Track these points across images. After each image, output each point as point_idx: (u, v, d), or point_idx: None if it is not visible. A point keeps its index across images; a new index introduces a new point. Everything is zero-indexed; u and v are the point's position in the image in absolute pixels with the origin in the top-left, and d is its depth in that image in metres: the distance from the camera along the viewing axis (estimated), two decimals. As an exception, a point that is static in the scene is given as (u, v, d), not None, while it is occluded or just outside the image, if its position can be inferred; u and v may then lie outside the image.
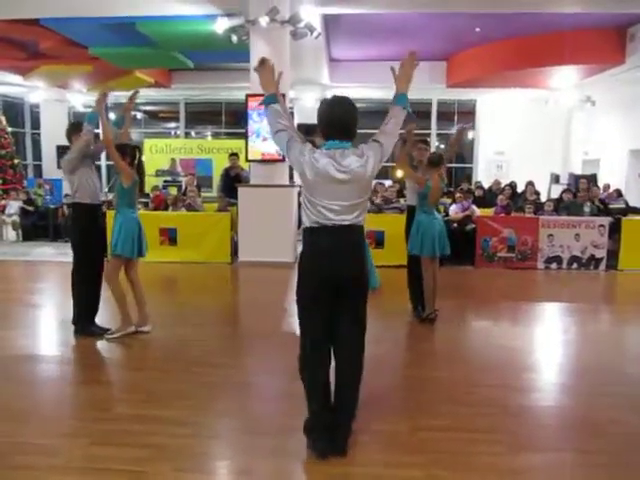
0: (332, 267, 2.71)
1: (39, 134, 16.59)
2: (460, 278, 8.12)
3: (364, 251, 2.87)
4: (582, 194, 9.47)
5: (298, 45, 9.11)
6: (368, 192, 2.86)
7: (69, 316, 5.00)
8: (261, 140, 8.57)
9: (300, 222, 10.85)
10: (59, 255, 9.66)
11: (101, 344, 4.72)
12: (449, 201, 9.92)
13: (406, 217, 5.85)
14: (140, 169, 4.97)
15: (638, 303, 6.81)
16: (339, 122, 2.74)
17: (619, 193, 10.92)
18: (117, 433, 3.10)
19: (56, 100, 15.76)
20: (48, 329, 5.44)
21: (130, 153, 4.94)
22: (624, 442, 3.08)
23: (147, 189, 13.86)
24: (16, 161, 14.10)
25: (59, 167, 13.81)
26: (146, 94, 16.30)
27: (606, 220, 8.64)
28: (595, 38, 11.05)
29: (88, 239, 4.85)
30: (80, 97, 16.15)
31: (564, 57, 10.92)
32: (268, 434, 3.11)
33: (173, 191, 11.66)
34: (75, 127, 5.05)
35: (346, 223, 2.72)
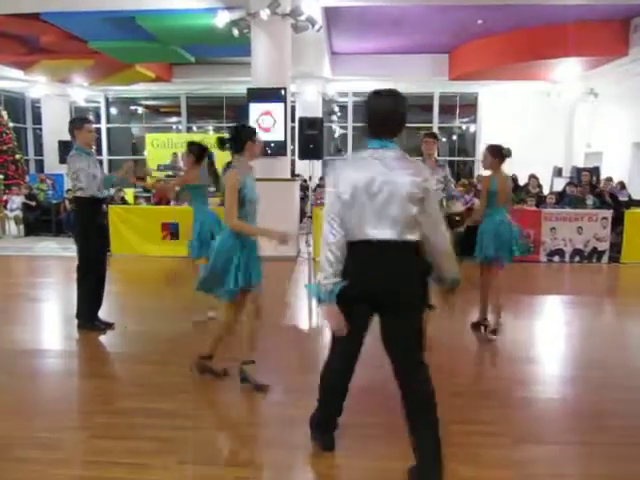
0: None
1: (41, 129, 16.59)
2: (462, 271, 8.08)
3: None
4: (583, 187, 9.44)
5: (299, 38, 9.07)
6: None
7: (72, 310, 5.00)
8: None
9: (302, 215, 10.84)
10: (62, 250, 9.68)
11: (103, 338, 4.73)
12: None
13: None
14: (211, 169, 4.86)
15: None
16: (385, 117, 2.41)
17: (622, 185, 10.88)
18: (119, 426, 3.11)
19: (57, 95, 15.74)
20: (50, 323, 5.45)
21: (195, 152, 5.03)
22: (626, 435, 3.08)
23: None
24: (18, 156, 14.11)
25: (61, 162, 13.82)
26: (147, 88, 16.31)
27: (609, 213, 8.62)
28: (598, 30, 10.97)
29: (90, 233, 4.80)
30: (81, 91, 16.13)
31: (567, 49, 10.86)
32: (270, 426, 3.12)
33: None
34: (77, 122, 4.93)
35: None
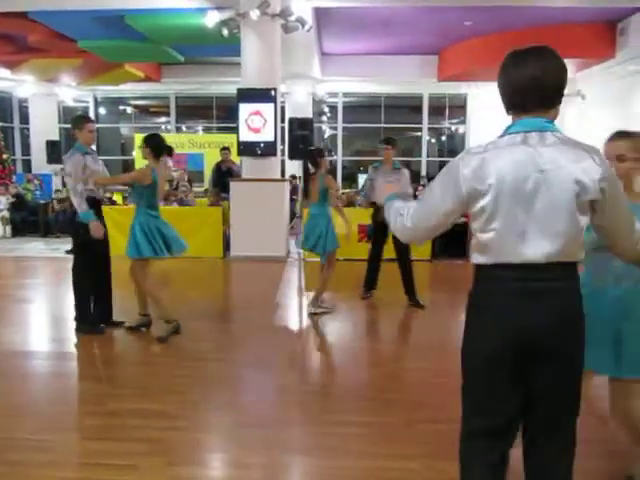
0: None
1: (28, 129, 16.44)
2: (452, 271, 8.17)
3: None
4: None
5: (289, 39, 9.07)
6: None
7: (61, 311, 4.98)
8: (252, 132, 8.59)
9: (292, 216, 10.83)
10: (49, 251, 9.62)
11: (93, 339, 4.70)
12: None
13: None
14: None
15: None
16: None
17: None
18: (110, 428, 3.10)
19: (45, 94, 15.60)
20: (39, 325, 5.41)
21: (150, 144, 4.66)
22: (619, 433, 3.12)
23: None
24: (5, 156, 13.97)
25: (49, 162, 13.71)
26: (136, 88, 16.22)
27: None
28: (585, 32, 11.08)
29: (87, 233, 4.66)
30: (69, 91, 16.00)
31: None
32: (261, 427, 3.13)
33: (165, 186, 11.60)
34: (78, 122, 4.78)
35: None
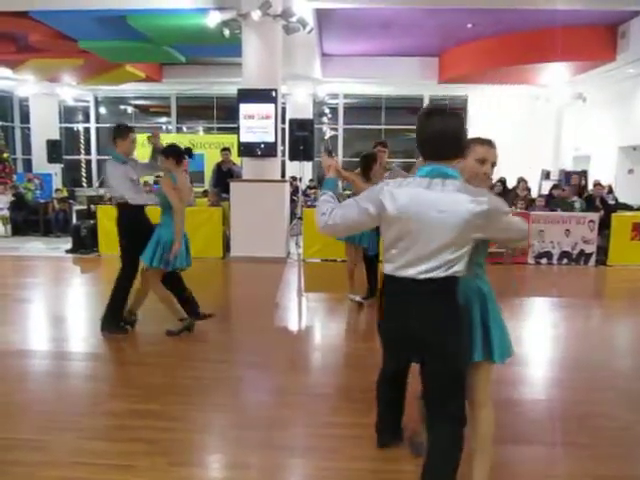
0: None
1: (29, 128, 16.46)
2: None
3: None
4: (567, 189, 9.54)
5: (290, 39, 9.08)
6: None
7: (60, 311, 4.97)
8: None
9: (292, 217, 10.85)
10: (49, 250, 9.62)
11: (91, 339, 4.70)
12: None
13: None
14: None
15: (627, 298, 6.87)
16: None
17: (610, 189, 11.01)
18: (108, 428, 3.10)
19: (45, 94, 15.62)
20: (38, 324, 5.40)
21: (172, 153, 4.74)
22: (612, 436, 3.12)
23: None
24: (5, 155, 13.98)
25: (50, 161, 13.73)
26: (137, 88, 16.23)
27: (596, 216, 8.71)
28: (586, 35, 11.10)
29: (135, 239, 4.71)
30: (70, 90, 16.01)
31: (556, 54, 10.96)
32: (260, 428, 3.13)
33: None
34: (122, 131, 4.76)
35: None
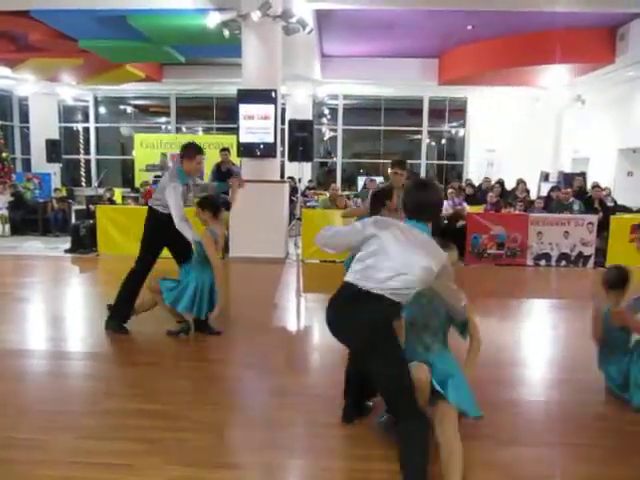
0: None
1: (28, 127, 16.45)
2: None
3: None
4: (564, 192, 9.55)
5: (290, 40, 9.09)
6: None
7: (58, 310, 4.97)
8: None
9: (291, 217, 10.83)
10: (48, 250, 9.61)
11: (89, 339, 4.70)
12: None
13: None
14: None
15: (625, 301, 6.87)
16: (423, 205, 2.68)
17: (608, 192, 11.03)
18: (106, 427, 3.09)
19: (45, 93, 15.63)
20: (37, 324, 5.40)
21: (208, 206, 4.72)
22: (609, 436, 3.13)
23: (137, 184, 13.85)
24: (4, 154, 13.97)
25: (49, 161, 13.72)
26: (136, 88, 16.23)
27: (594, 218, 8.72)
28: (586, 37, 11.13)
29: (156, 242, 4.78)
30: (70, 90, 16.02)
31: (555, 56, 10.99)
32: (259, 428, 3.13)
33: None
34: (191, 151, 4.73)
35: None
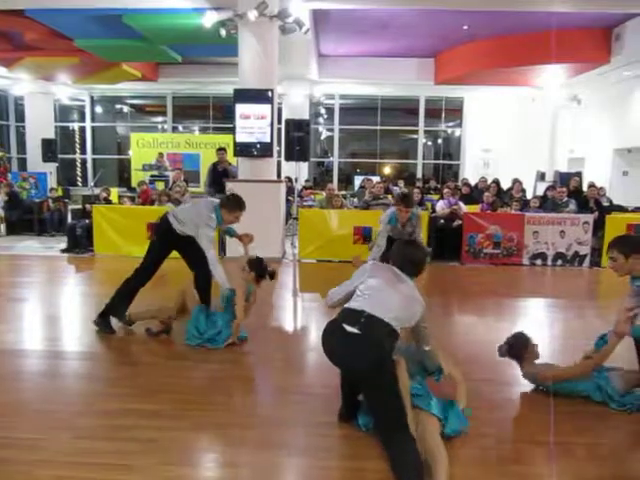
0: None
1: (24, 127, 16.40)
2: (446, 274, 8.19)
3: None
4: (559, 191, 9.58)
5: (287, 40, 9.09)
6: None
7: (54, 310, 4.95)
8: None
9: (288, 217, 10.84)
10: (44, 249, 9.60)
11: (84, 339, 4.69)
12: (436, 197, 9.98)
13: None
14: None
15: (620, 299, 6.89)
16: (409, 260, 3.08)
17: (602, 191, 11.06)
18: (103, 427, 3.09)
19: (41, 92, 15.58)
20: (32, 323, 5.39)
21: (256, 269, 4.77)
22: (602, 435, 3.15)
23: (133, 183, 13.83)
24: (0, 154, 13.94)
25: (45, 160, 13.69)
26: (133, 87, 16.21)
27: (590, 217, 8.75)
28: (581, 37, 11.16)
29: (163, 250, 4.82)
30: (66, 89, 15.98)
31: (551, 56, 11.02)
32: (255, 427, 3.13)
33: (160, 186, 11.60)
34: (234, 205, 4.73)
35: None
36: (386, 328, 2.77)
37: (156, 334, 4.72)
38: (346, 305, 2.93)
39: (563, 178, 12.81)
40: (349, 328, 2.76)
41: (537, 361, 3.72)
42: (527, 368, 3.71)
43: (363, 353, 2.70)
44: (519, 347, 3.73)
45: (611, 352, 3.46)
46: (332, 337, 2.86)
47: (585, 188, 10.60)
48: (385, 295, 2.86)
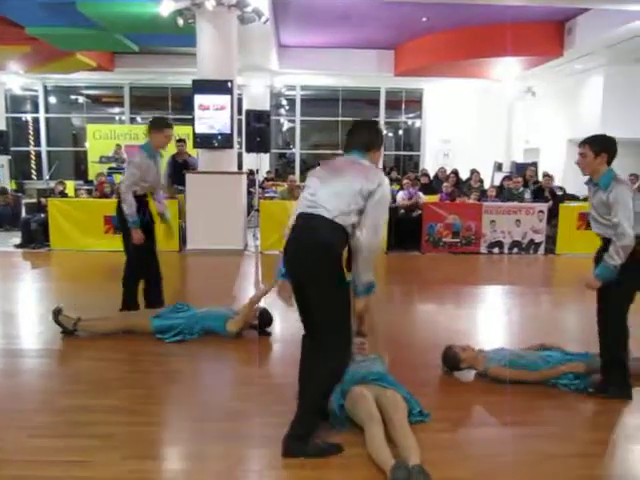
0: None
1: (-28, 117, 15.77)
2: (407, 263, 8.32)
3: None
4: (515, 180, 9.85)
5: (246, 30, 9.00)
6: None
7: (9, 307, 4.81)
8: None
9: (250, 209, 10.75)
10: (-3, 245, 9.29)
11: (40, 335, 4.58)
12: (397, 188, 10.09)
13: None
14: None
15: (574, 286, 7.15)
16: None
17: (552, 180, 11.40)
18: (60, 424, 3.04)
19: (-10, 82, 15.01)
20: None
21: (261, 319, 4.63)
22: (556, 415, 3.29)
23: (91, 176, 13.49)
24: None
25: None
26: (88, 77, 15.74)
27: (545, 206, 9.02)
28: (535, 31, 11.42)
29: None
30: (17, 79, 15.41)
31: (505, 49, 11.25)
32: (218, 419, 3.13)
33: (118, 179, 11.36)
34: (157, 124, 4.68)
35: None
36: (330, 224, 2.67)
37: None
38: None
39: (519, 168, 13.14)
40: (297, 233, 2.75)
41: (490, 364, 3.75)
42: (478, 369, 3.80)
43: (311, 242, 2.69)
44: (451, 361, 3.83)
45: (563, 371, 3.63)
46: (289, 249, 2.79)
47: (540, 178, 10.90)
48: (321, 194, 2.73)
